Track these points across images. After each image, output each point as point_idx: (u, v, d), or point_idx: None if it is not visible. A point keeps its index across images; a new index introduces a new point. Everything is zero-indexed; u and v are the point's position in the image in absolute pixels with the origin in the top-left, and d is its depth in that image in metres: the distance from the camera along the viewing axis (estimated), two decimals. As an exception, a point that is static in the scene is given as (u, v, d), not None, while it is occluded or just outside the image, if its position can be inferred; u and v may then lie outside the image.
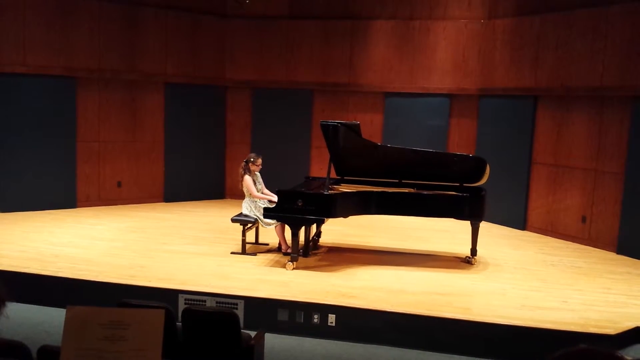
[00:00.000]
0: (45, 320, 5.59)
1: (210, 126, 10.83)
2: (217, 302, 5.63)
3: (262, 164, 7.24)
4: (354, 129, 6.93)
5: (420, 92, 10.10)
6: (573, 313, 5.49)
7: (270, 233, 7.46)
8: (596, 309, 5.65)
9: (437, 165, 7.21)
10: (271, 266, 6.70)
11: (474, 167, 7.07)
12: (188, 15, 10.32)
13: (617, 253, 7.84)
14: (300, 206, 6.38)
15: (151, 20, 9.96)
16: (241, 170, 7.13)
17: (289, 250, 6.78)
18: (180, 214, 9.51)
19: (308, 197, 6.46)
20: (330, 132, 6.70)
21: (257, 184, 7.21)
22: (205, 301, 5.66)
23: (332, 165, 6.90)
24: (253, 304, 5.62)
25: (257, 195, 7.06)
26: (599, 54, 8.01)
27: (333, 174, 7.24)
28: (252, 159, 7.12)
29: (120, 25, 9.67)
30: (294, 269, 6.51)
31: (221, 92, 10.90)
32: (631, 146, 7.70)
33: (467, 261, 7.15)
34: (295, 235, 6.47)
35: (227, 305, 5.57)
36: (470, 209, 6.83)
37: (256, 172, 7.20)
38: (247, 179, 7.05)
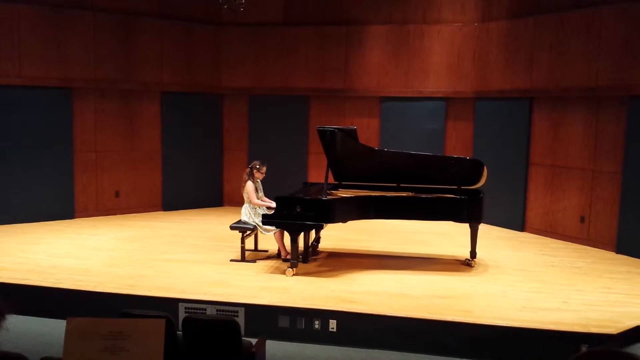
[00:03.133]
0: (45, 332, 5.57)
1: (207, 134, 10.83)
2: (217, 310, 5.62)
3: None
4: (351, 134, 6.93)
5: (416, 95, 10.11)
6: (574, 313, 5.48)
7: (269, 240, 7.45)
8: (597, 308, 5.65)
9: (434, 169, 7.21)
10: (271, 273, 6.69)
11: (472, 169, 7.07)
12: (183, 24, 10.34)
13: (617, 252, 7.84)
14: (298, 212, 6.38)
15: (146, 30, 9.98)
16: (245, 176, 7.14)
17: (289, 257, 6.77)
18: (179, 223, 9.49)
19: (306, 203, 6.46)
20: (328, 138, 6.70)
21: (259, 191, 7.21)
22: (205, 309, 5.65)
23: (329, 170, 6.91)
24: (254, 311, 5.61)
25: (257, 203, 7.06)
26: (593, 54, 8.04)
27: (331, 180, 7.25)
28: (257, 166, 7.13)
29: (115, 35, 9.68)
30: (294, 275, 6.50)
31: (217, 100, 10.90)
32: (627, 145, 7.72)
33: (467, 264, 7.14)
34: (294, 242, 6.47)
35: (227, 313, 5.56)
36: (469, 211, 6.83)
37: (259, 180, 7.21)
38: (250, 185, 7.06)
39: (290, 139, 10.64)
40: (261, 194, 7.27)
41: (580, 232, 8.42)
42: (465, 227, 7.15)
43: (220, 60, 10.78)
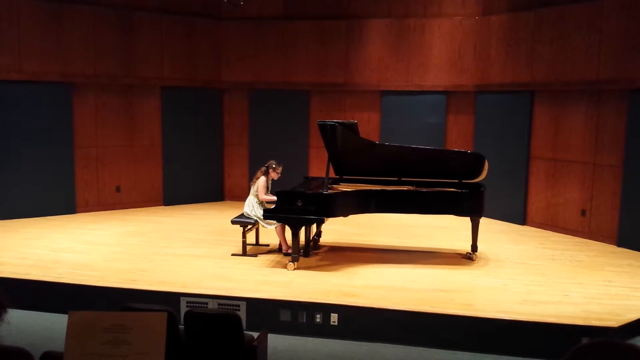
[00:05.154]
0: (47, 327, 5.58)
1: (208, 129, 10.82)
2: (219, 304, 5.63)
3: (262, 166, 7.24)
4: (352, 128, 6.93)
5: (417, 89, 10.10)
6: (575, 306, 5.49)
7: (270, 234, 7.46)
8: (598, 302, 5.66)
9: (435, 162, 7.21)
10: (272, 267, 6.70)
11: (473, 163, 7.07)
12: (183, 19, 10.32)
13: (618, 245, 7.85)
14: (300, 206, 6.38)
15: (146, 25, 9.95)
16: (259, 173, 7.13)
17: (290, 251, 6.78)
18: (180, 217, 9.50)
19: (307, 197, 6.46)
20: (328, 132, 6.70)
21: (268, 189, 7.21)
22: (207, 303, 5.66)
23: (330, 164, 6.90)
24: (255, 305, 5.62)
25: (264, 198, 7.06)
26: (594, 47, 8.02)
27: (332, 174, 7.24)
28: (273, 166, 7.13)
29: (115, 30, 9.66)
30: (295, 269, 6.50)
31: (218, 95, 10.89)
32: (628, 139, 7.71)
33: (468, 257, 7.15)
34: (295, 236, 6.47)
35: (229, 307, 5.57)
36: (470, 205, 6.83)
37: (273, 179, 7.20)
38: (262, 180, 7.07)
39: (291, 134, 10.63)
40: (268, 192, 7.26)
41: (581, 226, 8.41)
42: (466, 221, 7.15)
43: (220, 55, 10.75)
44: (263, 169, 7.18)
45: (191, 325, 3.97)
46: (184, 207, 10.38)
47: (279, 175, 7.21)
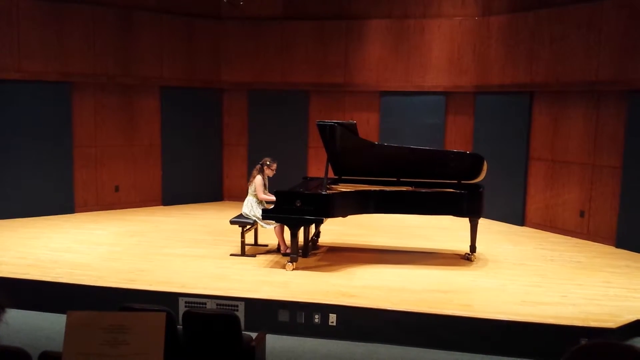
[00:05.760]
0: (45, 326, 5.58)
1: (207, 129, 10.82)
2: (217, 305, 5.63)
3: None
4: (351, 129, 6.93)
5: (416, 90, 10.10)
6: (573, 307, 5.49)
7: (269, 234, 7.46)
8: (596, 302, 5.66)
9: (434, 163, 7.21)
10: (271, 267, 6.70)
11: (472, 164, 7.07)
12: (182, 19, 10.31)
13: (616, 247, 7.85)
14: (298, 206, 6.38)
15: (146, 24, 9.95)
16: (255, 172, 7.14)
17: (289, 251, 6.78)
18: (179, 217, 9.50)
19: (306, 197, 6.46)
20: (327, 132, 6.70)
21: (265, 187, 7.22)
22: (205, 304, 5.66)
23: (329, 165, 6.90)
24: (253, 305, 5.62)
25: (264, 197, 7.06)
26: (593, 48, 8.02)
27: (331, 174, 7.24)
28: (267, 163, 7.14)
29: (115, 30, 9.65)
30: (293, 269, 6.50)
31: (217, 95, 10.89)
32: (628, 140, 7.72)
33: (466, 258, 7.15)
34: (294, 236, 6.47)
35: (227, 307, 5.57)
36: (469, 205, 6.83)
37: (268, 176, 7.21)
38: (259, 179, 7.07)
39: (290, 134, 10.63)
40: (266, 190, 7.27)
41: (580, 227, 8.42)
42: (465, 222, 7.15)
43: (219, 55, 10.75)
44: (258, 167, 7.19)
45: (190, 325, 3.97)
46: (183, 207, 10.37)
47: (274, 172, 7.22)
